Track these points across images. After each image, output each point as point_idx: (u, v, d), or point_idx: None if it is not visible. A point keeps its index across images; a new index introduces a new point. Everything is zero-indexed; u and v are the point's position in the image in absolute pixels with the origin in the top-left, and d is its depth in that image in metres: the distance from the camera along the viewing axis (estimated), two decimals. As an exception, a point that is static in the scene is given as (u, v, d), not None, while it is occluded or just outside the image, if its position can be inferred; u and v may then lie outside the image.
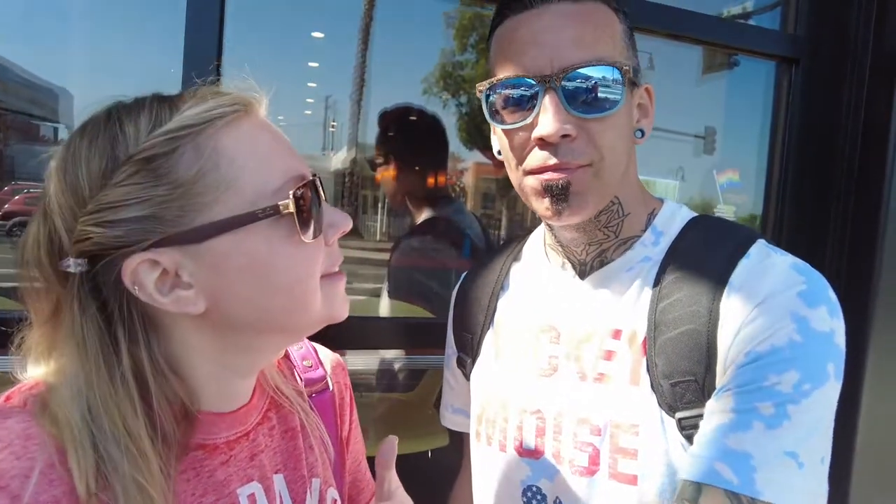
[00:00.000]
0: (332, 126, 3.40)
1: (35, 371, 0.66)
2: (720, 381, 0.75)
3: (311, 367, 0.91)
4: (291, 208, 0.65)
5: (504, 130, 0.84)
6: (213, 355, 0.69)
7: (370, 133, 3.18)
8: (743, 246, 0.81)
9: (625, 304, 0.86)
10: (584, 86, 0.78)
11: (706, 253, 0.83)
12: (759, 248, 0.82)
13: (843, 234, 1.71)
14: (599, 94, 0.78)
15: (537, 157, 0.81)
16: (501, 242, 1.15)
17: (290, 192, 0.65)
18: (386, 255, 2.43)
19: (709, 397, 0.76)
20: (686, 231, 0.88)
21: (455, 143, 3.65)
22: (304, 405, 0.84)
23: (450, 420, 1.15)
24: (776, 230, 1.81)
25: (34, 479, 0.56)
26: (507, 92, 0.81)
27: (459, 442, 1.18)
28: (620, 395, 0.82)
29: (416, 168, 2.41)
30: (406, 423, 2.02)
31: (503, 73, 0.82)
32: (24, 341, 0.67)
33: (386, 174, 2.38)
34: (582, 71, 0.77)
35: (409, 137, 2.48)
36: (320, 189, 0.71)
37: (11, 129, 2.33)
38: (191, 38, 1.28)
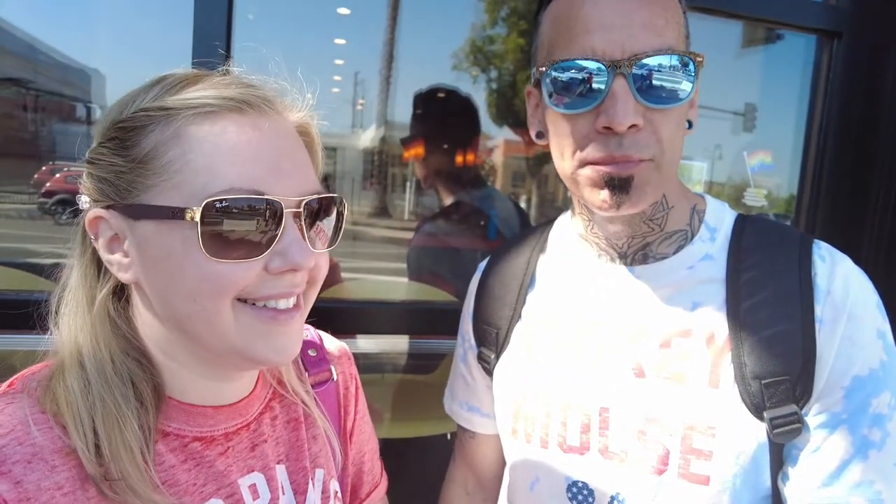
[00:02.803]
0: (361, 104, 3.39)
1: (62, 325, 0.70)
2: (822, 390, 0.77)
3: (315, 356, 0.90)
4: (196, 217, 0.61)
5: (561, 115, 0.79)
6: (159, 340, 0.70)
7: (399, 110, 3.17)
8: (806, 246, 0.83)
9: (690, 303, 0.84)
10: (655, 75, 0.74)
11: (776, 253, 0.83)
12: (824, 248, 0.84)
13: (884, 220, 1.63)
14: (669, 85, 0.75)
15: (600, 147, 0.76)
16: (521, 232, 1.12)
17: (204, 201, 0.61)
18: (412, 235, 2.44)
19: (800, 397, 0.77)
20: (740, 229, 0.87)
21: (484, 120, 3.61)
22: (308, 396, 0.84)
23: (462, 417, 1.12)
24: (810, 214, 1.73)
25: (36, 464, 0.58)
26: (573, 74, 0.76)
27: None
28: (698, 396, 0.81)
29: (446, 151, 2.39)
30: (425, 404, 2.03)
31: (566, 54, 0.76)
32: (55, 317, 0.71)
33: (416, 155, 2.37)
34: (654, 59, 0.74)
35: (442, 121, 2.45)
36: (282, 212, 0.63)
37: (47, 111, 2.39)
38: (199, 17, 1.28)
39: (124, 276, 0.67)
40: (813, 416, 0.78)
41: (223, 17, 1.31)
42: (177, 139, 0.63)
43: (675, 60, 0.75)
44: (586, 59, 0.75)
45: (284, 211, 0.63)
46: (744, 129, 3.05)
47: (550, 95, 0.79)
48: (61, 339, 0.68)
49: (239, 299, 0.65)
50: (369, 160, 3.52)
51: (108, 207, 0.66)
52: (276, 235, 0.63)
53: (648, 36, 0.74)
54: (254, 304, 0.65)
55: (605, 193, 0.78)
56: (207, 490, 0.69)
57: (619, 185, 0.77)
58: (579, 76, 0.76)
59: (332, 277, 1.96)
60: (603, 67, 0.74)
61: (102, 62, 2.30)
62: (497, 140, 3.56)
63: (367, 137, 3.45)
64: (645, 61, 0.73)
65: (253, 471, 0.74)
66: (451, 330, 1.18)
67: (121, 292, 0.71)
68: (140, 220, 0.64)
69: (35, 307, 0.72)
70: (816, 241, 0.84)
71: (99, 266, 0.70)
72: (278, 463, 0.77)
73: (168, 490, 0.65)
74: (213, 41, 1.30)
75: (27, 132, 2.41)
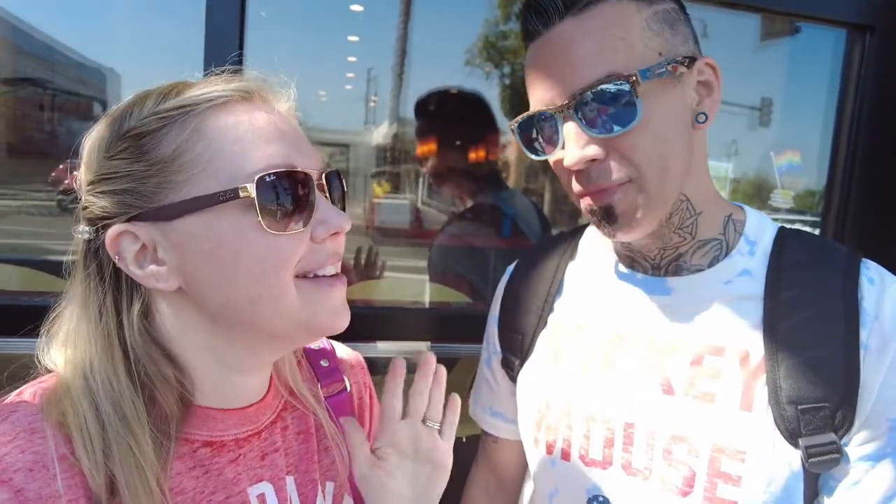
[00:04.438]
0: (374, 100, 3.38)
1: (56, 357, 0.68)
2: (865, 420, 0.74)
3: (327, 366, 0.89)
4: (252, 194, 0.62)
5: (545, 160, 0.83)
6: (202, 342, 0.69)
7: (411, 107, 3.15)
8: (853, 266, 0.79)
9: (725, 320, 0.82)
10: (598, 106, 0.74)
11: (820, 272, 0.80)
12: (873, 269, 0.81)
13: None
14: (614, 111, 0.74)
15: (576, 184, 0.80)
16: (551, 237, 1.12)
17: (255, 178, 0.63)
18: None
19: (840, 426, 0.74)
20: (782, 244, 0.84)
21: (497, 116, 3.59)
22: (320, 407, 0.83)
23: (486, 422, 1.12)
24: (840, 217, 1.67)
25: (38, 472, 0.57)
26: (532, 128, 0.81)
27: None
28: (728, 418, 0.78)
29: (467, 153, 2.38)
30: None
31: (528, 109, 0.82)
32: (52, 325, 0.70)
33: (431, 154, 2.36)
34: (592, 92, 0.74)
35: (461, 123, 2.44)
36: (313, 183, 0.68)
37: (63, 109, 2.40)
38: (212, 15, 1.28)
39: (164, 286, 0.66)
40: (854, 448, 0.75)
41: (236, 14, 1.30)
42: (198, 133, 0.64)
43: (612, 86, 0.73)
44: (536, 113, 0.79)
45: (314, 182, 0.68)
46: (760, 123, 3.00)
47: (527, 147, 0.84)
48: (66, 370, 0.66)
49: (296, 276, 0.68)
50: (381, 157, 3.51)
51: (131, 219, 0.64)
52: (313, 205, 0.67)
53: (586, 68, 0.74)
54: (306, 276, 0.69)
55: (598, 224, 0.81)
56: (216, 499, 0.68)
57: (602, 216, 0.78)
58: (537, 128, 0.81)
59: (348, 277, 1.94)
60: (549, 115, 0.77)
61: (117, 61, 2.31)
62: (509, 136, 3.53)
63: (380, 134, 3.45)
64: (584, 96, 0.74)
65: (262, 480, 0.73)
66: (469, 335, 1.17)
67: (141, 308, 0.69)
68: (178, 219, 0.63)
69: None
70: (865, 260, 0.81)
71: (116, 292, 0.68)
72: (288, 474, 0.77)
73: (174, 498, 0.64)
74: (226, 39, 1.30)
75: (44, 131, 2.43)
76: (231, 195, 0.62)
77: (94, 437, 0.61)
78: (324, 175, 0.71)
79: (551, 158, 0.82)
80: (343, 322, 0.72)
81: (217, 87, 0.68)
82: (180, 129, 0.64)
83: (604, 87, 0.73)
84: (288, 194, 0.65)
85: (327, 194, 0.71)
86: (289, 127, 0.70)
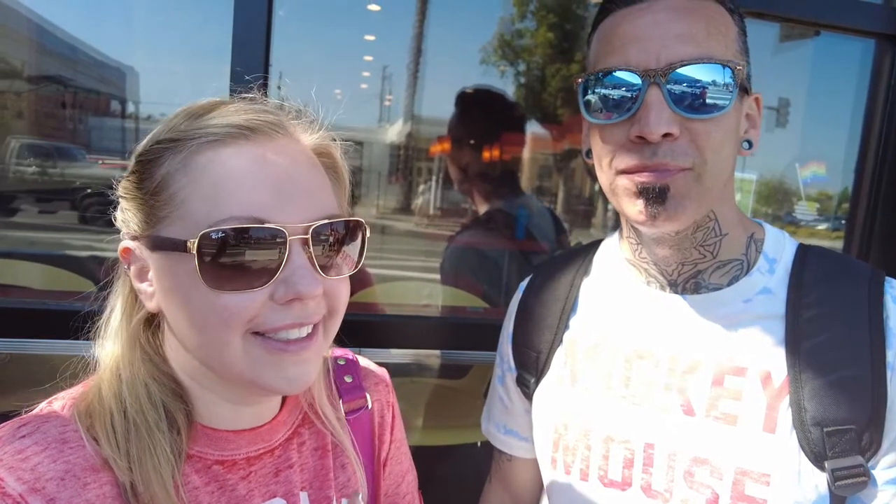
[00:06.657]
0: (389, 99, 3.39)
1: (100, 349, 0.71)
2: (893, 442, 0.73)
3: (351, 382, 0.88)
4: (192, 249, 0.60)
5: (599, 126, 0.79)
6: (187, 367, 0.69)
7: (426, 105, 3.16)
8: (877, 284, 0.78)
9: (746, 339, 0.80)
10: (692, 84, 0.72)
11: (842, 289, 0.78)
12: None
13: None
14: (708, 95, 0.72)
15: (633, 155, 0.75)
16: (564, 252, 1.09)
17: (200, 233, 0.60)
18: (437, 230, 2.43)
19: (867, 448, 0.73)
20: (801, 261, 0.82)
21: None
22: (339, 423, 0.82)
23: (499, 440, 1.08)
24: (865, 232, 1.64)
25: (69, 482, 0.58)
26: (607, 85, 0.76)
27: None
28: (751, 440, 0.77)
29: (484, 157, 2.36)
30: (455, 411, 2.01)
31: (602, 67, 0.77)
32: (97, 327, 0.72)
33: (452, 161, 2.35)
34: (691, 68, 0.72)
35: (490, 127, 2.41)
36: (287, 240, 0.61)
37: (83, 106, 2.43)
38: (239, 16, 1.27)
39: (150, 305, 0.67)
40: (881, 470, 0.73)
41: (264, 16, 1.30)
42: (184, 169, 0.63)
43: (713, 70, 0.72)
44: (620, 70, 0.75)
45: (289, 238, 0.61)
46: (777, 124, 2.98)
47: (588, 107, 0.79)
48: (102, 361, 0.69)
49: (252, 332, 0.63)
50: (395, 154, 3.52)
51: (134, 238, 0.67)
52: (281, 263, 0.61)
53: (685, 46, 0.73)
54: (264, 335, 0.64)
55: (640, 204, 0.76)
56: None
57: (654, 196, 0.75)
58: (614, 87, 0.76)
59: (363, 281, 1.93)
60: (637, 76, 0.73)
61: (137, 60, 2.34)
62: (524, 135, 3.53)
63: (394, 132, 3.46)
64: (680, 70, 0.72)
65: (275, 496, 0.73)
66: (482, 344, 1.15)
67: (154, 318, 0.72)
68: (156, 252, 0.64)
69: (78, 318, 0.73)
70: (889, 278, 0.79)
71: (136, 294, 0.70)
72: (302, 490, 0.76)
73: None
74: (253, 41, 1.29)
75: (64, 127, 2.46)
76: (182, 247, 0.61)
77: (117, 426, 0.62)
78: (311, 229, 0.63)
79: (614, 121, 0.77)
80: (294, 388, 0.67)
81: (219, 120, 0.65)
82: (171, 163, 0.63)
83: (707, 66, 0.72)
84: (240, 252, 0.60)
85: (311, 250, 0.63)
86: (281, 171, 0.63)
